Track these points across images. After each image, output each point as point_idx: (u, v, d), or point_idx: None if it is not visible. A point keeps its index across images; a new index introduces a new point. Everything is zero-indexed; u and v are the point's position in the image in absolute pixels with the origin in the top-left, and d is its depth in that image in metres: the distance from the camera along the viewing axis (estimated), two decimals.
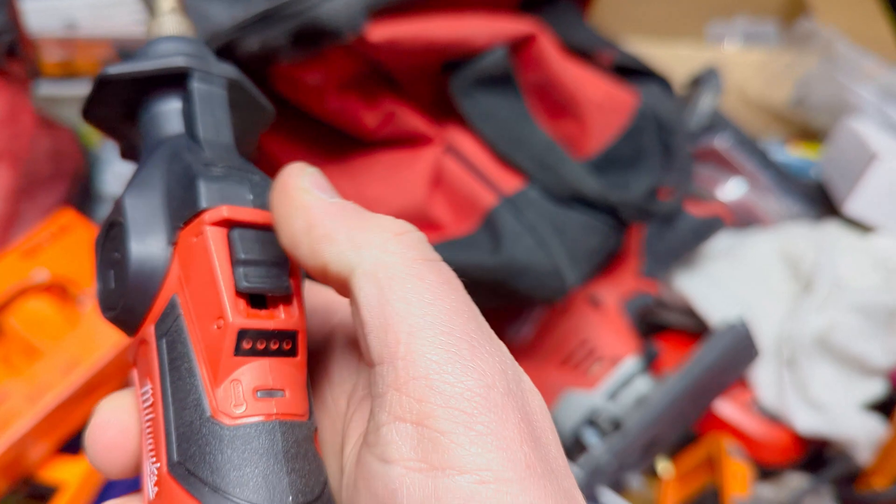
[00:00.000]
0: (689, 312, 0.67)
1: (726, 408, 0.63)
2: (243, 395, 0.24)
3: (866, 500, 0.61)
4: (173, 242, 0.26)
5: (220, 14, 0.53)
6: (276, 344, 0.25)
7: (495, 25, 0.53)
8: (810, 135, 0.88)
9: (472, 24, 0.52)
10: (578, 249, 0.54)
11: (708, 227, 0.66)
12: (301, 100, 0.51)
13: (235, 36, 0.46)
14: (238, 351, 0.24)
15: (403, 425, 0.21)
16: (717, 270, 0.68)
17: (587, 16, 0.70)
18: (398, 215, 0.51)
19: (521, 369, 0.23)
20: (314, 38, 0.45)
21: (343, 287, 0.24)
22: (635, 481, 0.59)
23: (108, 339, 0.56)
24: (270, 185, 0.27)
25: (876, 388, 0.63)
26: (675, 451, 0.64)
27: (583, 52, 0.64)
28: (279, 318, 0.26)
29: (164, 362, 0.25)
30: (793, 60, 0.88)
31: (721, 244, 0.71)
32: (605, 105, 0.59)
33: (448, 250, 0.52)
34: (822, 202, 0.77)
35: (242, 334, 0.24)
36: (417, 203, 0.53)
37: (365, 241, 0.23)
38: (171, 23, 0.30)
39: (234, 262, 0.25)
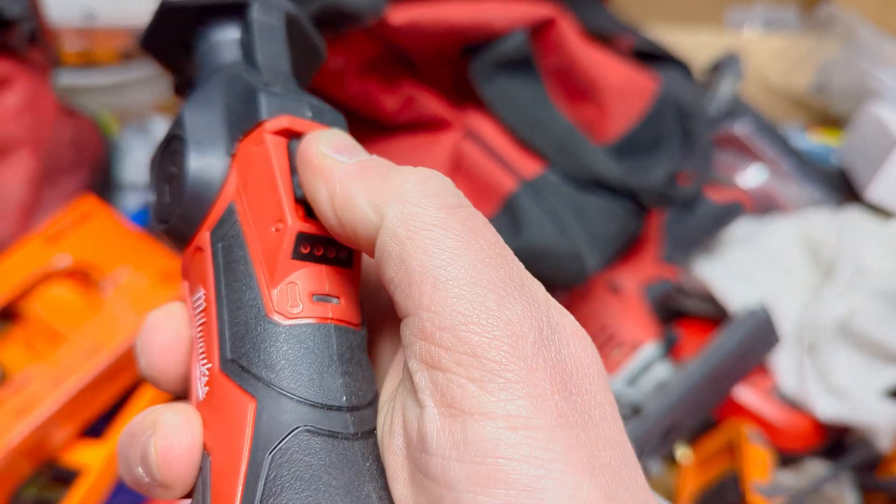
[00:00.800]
0: (709, 299, 0.67)
1: (746, 394, 0.63)
2: (299, 297, 0.24)
3: (887, 487, 0.60)
4: (232, 154, 0.27)
5: None
6: (333, 252, 0.25)
7: (515, 9, 0.53)
8: (831, 121, 0.87)
9: (493, 7, 0.52)
10: (598, 234, 0.54)
11: (728, 213, 0.66)
12: (321, 84, 0.51)
13: None
14: (295, 254, 0.24)
15: (433, 372, 0.21)
16: (738, 257, 0.68)
17: (607, 1, 0.69)
18: None
19: (560, 314, 0.23)
20: (335, 22, 0.45)
21: (371, 249, 0.24)
22: (654, 467, 0.59)
23: (129, 325, 0.57)
24: (329, 109, 0.27)
25: None
26: (695, 437, 0.64)
27: (603, 37, 0.64)
28: None
29: (219, 265, 0.26)
30: (813, 46, 0.87)
31: (741, 230, 0.71)
32: (625, 90, 0.59)
33: None
34: (843, 188, 0.76)
35: (301, 238, 0.24)
36: None
37: (385, 198, 0.23)
38: None
39: (294, 171, 0.25)
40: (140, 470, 0.25)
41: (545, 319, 0.22)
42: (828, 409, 0.60)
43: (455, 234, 0.22)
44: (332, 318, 0.24)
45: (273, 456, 0.22)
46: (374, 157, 0.25)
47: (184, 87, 0.32)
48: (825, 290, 0.64)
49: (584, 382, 0.22)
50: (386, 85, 0.51)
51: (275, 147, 0.26)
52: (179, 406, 0.25)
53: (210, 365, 0.25)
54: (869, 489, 0.61)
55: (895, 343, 0.61)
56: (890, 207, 0.69)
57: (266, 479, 0.22)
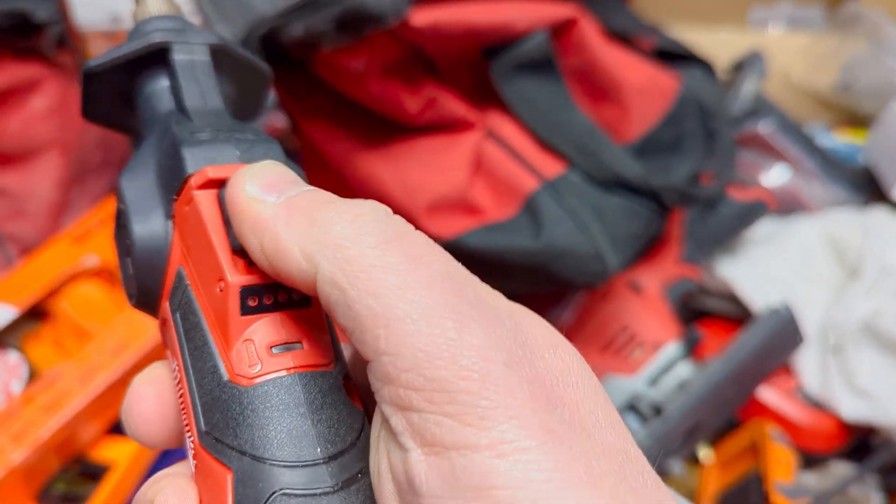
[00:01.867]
0: (732, 298, 0.66)
1: (770, 394, 0.63)
2: (257, 354, 0.23)
3: None
4: (171, 216, 0.26)
5: (262, 1, 0.54)
6: (285, 296, 0.24)
7: (536, 10, 0.53)
8: (857, 120, 0.87)
9: (513, 8, 0.53)
10: (620, 234, 0.54)
11: (751, 212, 0.66)
12: (343, 85, 0.51)
13: (280, 22, 0.47)
14: (244, 310, 0.23)
15: (407, 414, 0.20)
16: (761, 256, 0.68)
17: (629, 0, 0.69)
18: (439, 200, 0.52)
19: (531, 325, 0.22)
20: (358, 24, 0.45)
21: (315, 296, 0.22)
22: (676, 467, 0.59)
23: (155, 323, 0.58)
24: (262, 140, 0.27)
25: None
26: (717, 437, 0.64)
27: (624, 37, 0.64)
28: None
29: (181, 335, 0.25)
30: (838, 44, 0.87)
31: (765, 230, 0.70)
32: (647, 89, 0.59)
33: (489, 234, 0.52)
34: (869, 188, 0.75)
35: (246, 292, 0.23)
36: (458, 188, 0.53)
37: (316, 243, 0.21)
38: (152, 4, 0.30)
39: (227, 222, 0.24)
40: None
41: (513, 335, 0.21)
42: (852, 409, 0.60)
43: (397, 268, 0.21)
44: (294, 367, 0.23)
45: None
46: (307, 191, 0.23)
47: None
48: (850, 290, 0.63)
49: (568, 392, 0.21)
50: (408, 86, 0.51)
51: (204, 202, 0.24)
52: (179, 480, 0.24)
53: (192, 437, 0.24)
54: (894, 491, 0.60)
55: None
56: None
57: None
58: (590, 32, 0.56)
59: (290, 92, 0.55)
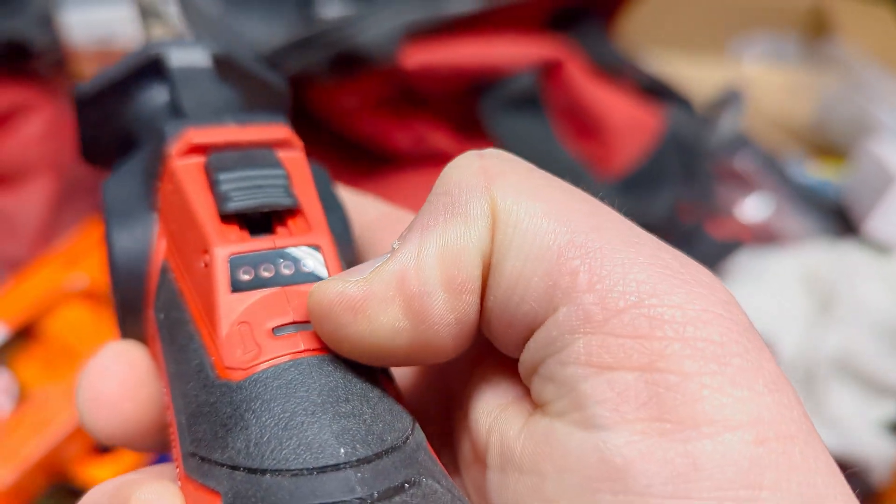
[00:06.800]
0: None
1: None
2: (255, 339, 0.18)
3: None
4: (157, 208, 0.22)
5: (258, 31, 0.55)
6: (291, 267, 0.19)
7: (524, 51, 0.55)
8: (831, 151, 0.89)
9: (502, 50, 0.54)
10: None
11: (726, 250, 0.67)
12: (335, 120, 0.53)
13: (277, 59, 0.48)
14: (236, 285, 0.18)
15: (619, 374, 0.14)
16: (736, 290, 0.69)
17: (614, 31, 0.71)
18: None
19: None
20: (352, 65, 0.46)
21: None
22: None
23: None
24: (266, 114, 0.23)
25: (892, 409, 0.63)
26: None
27: (610, 72, 0.65)
28: (287, 236, 0.20)
29: (164, 341, 0.20)
30: (814, 80, 0.89)
31: (740, 264, 0.72)
32: (630, 128, 0.61)
33: None
34: (841, 221, 0.78)
35: (237, 263, 0.19)
36: None
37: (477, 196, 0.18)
38: (157, 33, 0.28)
39: (216, 187, 0.20)
40: None
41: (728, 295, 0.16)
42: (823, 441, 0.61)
43: (579, 193, 0.17)
44: (305, 350, 0.18)
45: None
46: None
47: None
48: (822, 323, 0.65)
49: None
50: (398, 123, 0.53)
51: (186, 170, 0.20)
52: (160, 482, 0.18)
53: (178, 469, 0.18)
54: None
55: (890, 377, 0.62)
56: (886, 242, 0.70)
57: None
58: (575, 72, 0.58)
59: None
